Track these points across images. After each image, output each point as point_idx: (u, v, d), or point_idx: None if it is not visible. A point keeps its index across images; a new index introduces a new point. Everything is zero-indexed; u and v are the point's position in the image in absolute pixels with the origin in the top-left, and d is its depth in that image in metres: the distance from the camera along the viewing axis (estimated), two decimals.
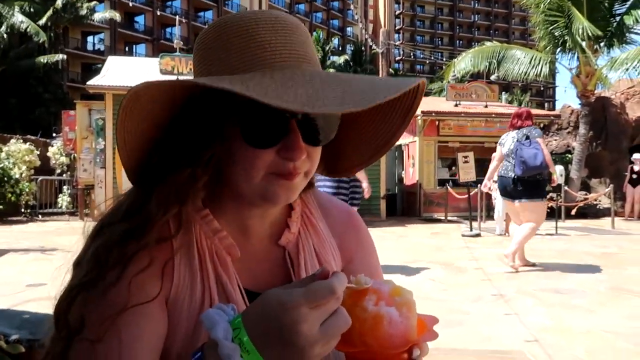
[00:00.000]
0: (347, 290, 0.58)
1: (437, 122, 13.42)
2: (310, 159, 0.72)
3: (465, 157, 9.61)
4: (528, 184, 5.77)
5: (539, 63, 14.93)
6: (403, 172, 15.26)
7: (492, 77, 18.06)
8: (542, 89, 68.87)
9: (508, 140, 6.07)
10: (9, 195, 11.98)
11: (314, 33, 39.78)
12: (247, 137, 0.67)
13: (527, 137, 5.80)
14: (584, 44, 14.20)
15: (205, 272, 0.73)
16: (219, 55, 0.69)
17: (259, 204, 0.74)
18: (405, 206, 14.72)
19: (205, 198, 0.77)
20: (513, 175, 5.82)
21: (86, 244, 0.72)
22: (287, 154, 0.68)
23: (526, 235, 5.86)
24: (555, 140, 16.83)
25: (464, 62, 15.92)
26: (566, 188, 12.06)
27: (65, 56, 26.35)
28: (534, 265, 6.17)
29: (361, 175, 5.44)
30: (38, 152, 13.20)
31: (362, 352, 0.58)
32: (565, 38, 14.43)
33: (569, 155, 15.39)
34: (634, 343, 3.51)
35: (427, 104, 14.99)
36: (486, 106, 14.05)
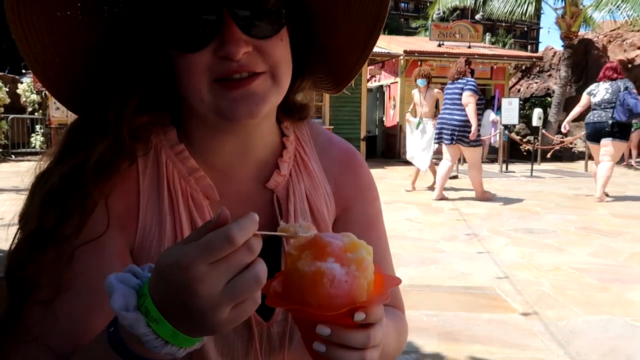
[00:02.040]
0: (297, 240, 0.51)
1: (419, 63, 13.23)
2: (264, 54, 0.61)
3: None
4: (621, 127, 6.66)
5: (525, 1, 14.64)
6: (384, 114, 15.18)
7: (477, 17, 17.70)
8: (526, 30, 67.96)
9: (601, 91, 6.75)
10: None
11: None
12: (175, 44, 0.61)
13: (627, 88, 6.55)
14: None
15: (178, 217, 0.66)
16: None
17: (223, 125, 0.66)
18: (385, 148, 14.78)
19: (180, 132, 0.69)
20: (611, 121, 6.59)
21: (29, 193, 0.65)
22: (222, 49, 0.58)
23: (608, 175, 6.78)
24: (536, 83, 16.84)
25: None
26: (543, 131, 12.21)
27: None
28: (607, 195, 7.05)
29: (472, 119, 6.41)
30: (7, 89, 12.68)
31: (298, 310, 0.49)
32: None
33: (549, 99, 15.46)
34: (598, 279, 3.69)
35: (411, 43, 14.70)
36: (469, 47, 13.84)
